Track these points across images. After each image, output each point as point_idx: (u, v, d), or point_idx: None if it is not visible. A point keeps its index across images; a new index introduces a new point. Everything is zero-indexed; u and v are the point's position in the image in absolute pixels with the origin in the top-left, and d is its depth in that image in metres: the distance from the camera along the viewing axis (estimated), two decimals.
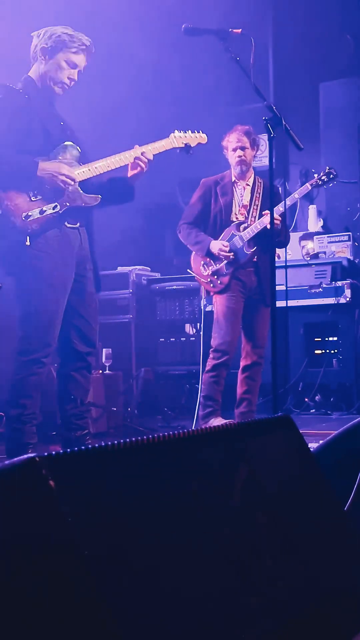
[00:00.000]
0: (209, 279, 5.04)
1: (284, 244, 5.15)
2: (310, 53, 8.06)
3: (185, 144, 4.14)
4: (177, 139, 4.13)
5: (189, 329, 7.12)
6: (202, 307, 5.84)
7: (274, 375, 3.66)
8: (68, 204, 3.82)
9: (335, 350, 6.70)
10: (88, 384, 4.14)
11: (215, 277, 5.00)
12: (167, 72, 7.31)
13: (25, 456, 1.14)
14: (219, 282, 4.99)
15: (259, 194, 5.07)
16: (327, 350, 6.75)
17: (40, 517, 1.11)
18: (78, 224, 3.92)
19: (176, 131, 4.15)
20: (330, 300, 6.57)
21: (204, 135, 4.24)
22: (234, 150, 5.01)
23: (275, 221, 4.58)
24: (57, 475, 1.12)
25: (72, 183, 3.80)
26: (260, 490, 1.55)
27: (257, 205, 5.05)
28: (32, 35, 3.95)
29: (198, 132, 4.23)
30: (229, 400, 5.14)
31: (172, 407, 6.58)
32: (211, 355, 5.00)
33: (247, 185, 5.09)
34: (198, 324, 6.77)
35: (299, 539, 1.57)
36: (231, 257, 4.93)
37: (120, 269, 7.19)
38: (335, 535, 1.74)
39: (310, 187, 5.03)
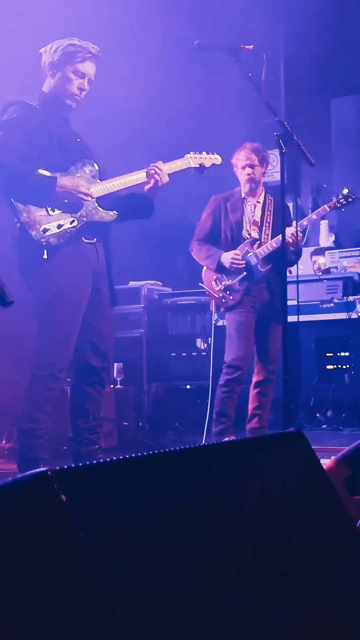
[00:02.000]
0: (220, 294, 5.04)
1: (293, 263, 5.15)
2: (321, 69, 8.08)
3: (200, 165, 4.19)
4: (192, 159, 4.18)
5: (200, 343, 7.12)
6: (214, 322, 5.84)
7: (286, 391, 3.66)
8: (85, 219, 3.86)
9: (347, 366, 6.68)
10: (101, 399, 4.16)
11: (227, 292, 5.00)
12: (179, 88, 7.34)
13: (37, 470, 1.14)
14: (230, 297, 4.99)
15: (270, 211, 5.08)
16: (339, 366, 6.73)
17: (51, 531, 1.11)
18: (95, 239, 3.95)
19: (191, 152, 4.20)
20: (342, 316, 6.57)
21: (218, 157, 4.29)
22: (243, 167, 5.02)
23: (296, 236, 4.60)
24: (69, 489, 1.12)
25: (89, 199, 3.84)
26: (272, 506, 1.54)
27: (269, 223, 5.06)
28: (40, 51, 4.00)
29: (213, 153, 4.28)
30: (240, 415, 5.12)
31: (183, 422, 6.57)
32: (224, 371, 5.00)
33: (258, 202, 5.10)
34: (209, 339, 6.77)
35: (311, 555, 1.56)
36: (243, 267, 4.92)
37: (132, 284, 7.21)
38: (346, 551, 1.73)
39: (328, 209, 5.03)
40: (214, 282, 5.07)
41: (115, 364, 6.17)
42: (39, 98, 3.96)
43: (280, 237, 4.85)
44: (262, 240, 5.01)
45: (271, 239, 4.99)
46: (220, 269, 5.00)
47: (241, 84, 3.83)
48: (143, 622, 1.10)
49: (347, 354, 6.68)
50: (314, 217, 5.09)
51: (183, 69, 6.99)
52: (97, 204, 3.91)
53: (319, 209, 5.10)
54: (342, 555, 1.69)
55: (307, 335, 6.68)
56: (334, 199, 5.07)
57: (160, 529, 1.25)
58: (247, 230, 5.06)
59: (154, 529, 1.24)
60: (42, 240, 3.74)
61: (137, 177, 3.99)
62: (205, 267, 5.15)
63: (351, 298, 6.55)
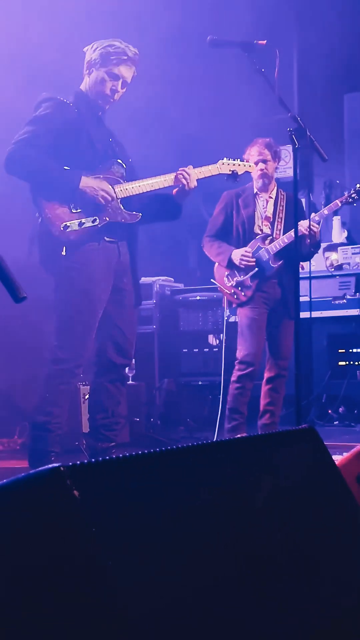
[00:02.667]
0: (232, 291, 5.03)
1: (311, 255, 5.13)
2: (334, 64, 8.04)
3: (233, 172, 4.21)
4: (224, 166, 4.20)
5: (212, 339, 7.12)
6: (225, 318, 5.84)
7: (298, 387, 3.65)
8: (107, 219, 3.87)
9: (359, 362, 6.66)
10: (120, 396, 4.17)
11: (239, 288, 4.99)
12: (193, 84, 7.34)
13: (50, 466, 1.14)
14: (242, 293, 4.98)
15: (282, 206, 5.07)
16: (351, 362, 6.71)
17: (63, 527, 1.11)
18: (117, 239, 3.96)
19: (225, 158, 4.21)
20: (354, 312, 6.55)
21: (252, 165, 4.35)
22: (256, 163, 5.00)
23: (313, 228, 4.60)
24: (81, 485, 1.12)
25: (111, 200, 3.85)
26: (284, 502, 1.54)
27: (281, 218, 5.05)
28: (84, 50, 4.02)
29: (247, 161, 4.35)
30: (252, 411, 5.12)
31: (194, 418, 6.57)
32: (236, 367, 4.99)
33: (270, 197, 5.08)
34: (221, 335, 6.76)
35: (322, 553, 1.56)
36: (253, 264, 4.91)
37: (144, 280, 7.20)
38: (358, 550, 1.73)
39: (340, 204, 5.02)
40: (225, 279, 5.06)
41: None
42: (74, 95, 3.98)
43: (292, 232, 4.85)
44: (274, 235, 5.00)
45: (283, 234, 4.97)
46: (231, 265, 5.00)
47: (254, 79, 3.81)
48: (153, 618, 1.10)
49: (359, 350, 6.66)
50: (326, 212, 5.07)
51: (196, 65, 6.99)
52: (121, 205, 3.92)
53: (331, 204, 5.09)
54: (354, 553, 1.69)
55: (320, 332, 6.67)
56: (346, 194, 5.06)
57: (172, 526, 1.25)
58: (259, 226, 5.05)
59: (165, 525, 1.24)
60: (62, 237, 3.75)
61: (165, 180, 4.00)
62: (217, 264, 5.15)
63: None
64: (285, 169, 6.96)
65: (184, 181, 3.99)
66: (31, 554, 1.12)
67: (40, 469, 1.15)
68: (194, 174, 4.03)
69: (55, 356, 3.87)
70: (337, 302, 6.63)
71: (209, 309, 7.10)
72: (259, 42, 3.77)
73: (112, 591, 1.07)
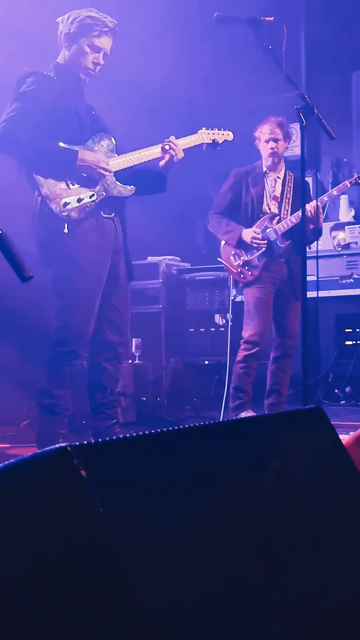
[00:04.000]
0: (239, 270, 5.02)
1: (312, 241, 5.12)
2: (342, 41, 7.96)
3: (213, 140, 4.20)
4: (205, 135, 4.19)
5: (218, 319, 7.11)
6: (232, 298, 5.82)
7: (304, 367, 3.64)
8: (104, 194, 3.85)
9: None
10: (118, 374, 4.16)
11: (246, 268, 4.98)
12: (198, 61, 7.28)
13: (57, 445, 1.14)
14: (249, 273, 4.97)
15: (290, 187, 5.04)
16: (358, 342, 6.70)
17: (71, 507, 1.11)
18: (113, 214, 3.94)
19: (204, 128, 4.20)
20: None
21: (230, 133, 4.30)
22: (267, 142, 4.97)
23: (313, 213, 4.57)
24: (89, 465, 1.12)
25: (108, 174, 3.82)
26: (292, 483, 1.54)
27: (289, 199, 5.03)
28: (57, 21, 3.94)
29: (225, 130, 4.29)
30: (258, 391, 5.12)
31: (201, 397, 6.57)
32: (242, 347, 4.99)
33: (278, 177, 5.06)
34: (227, 315, 6.75)
35: (331, 532, 1.56)
36: (264, 245, 4.90)
37: (150, 259, 7.19)
38: None
39: (349, 185, 4.99)
40: (232, 257, 5.04)
41: (134, 340, 6.17)
42: (54, 69, 3.91)
43: (300, 212, 4.83)
44: (282, 215, 4.98)
45: (290, 214, 4.96)
46: (240, 244, 4.98)
47: (261, 56, 3.77)
48: (162, 596, 1.11)
49: None
50: (335, 192, 5.05)
51: (202, 41, 6.93)
52: (115, 179, 3.89)
53: (340, 185, 5.06)
54: None
55: (326, 311, 6.65)
56: (355, 175, 5.04)
57: (179, 505, 1.25)
58: (267, 205, 5.03)
59: (173, 504, 1.24)
60: (63, 213, 3.72)
61: (153, 151, 3.98)
62: (223, 242, 5.13)
63: None
64: (293, 147, 6.91)
65: (172, 152, 3.97)
66: (38, 533, 1.12)
67: (47, 449, 1.14)
68: (180, 145, 4.01)
69: (58, 338, 3.85)
70: (344, 281, 6.61)
71: (215, 288, 7.09)
72: (266, 18, 3.73)
73: (120, 570, 1.07)
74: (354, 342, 6.70)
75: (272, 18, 3.72)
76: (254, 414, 4.84)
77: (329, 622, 1.37)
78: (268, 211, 5.01)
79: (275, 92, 6.92)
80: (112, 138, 3.96)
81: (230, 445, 1.47)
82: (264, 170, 5.05)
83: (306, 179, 4.33)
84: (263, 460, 1.51)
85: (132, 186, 3.95)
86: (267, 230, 4.93)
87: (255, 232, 4.91)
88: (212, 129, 4.22)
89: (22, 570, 1.13)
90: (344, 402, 6.54)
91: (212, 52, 7.24)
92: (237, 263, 5.02)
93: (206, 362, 7.03)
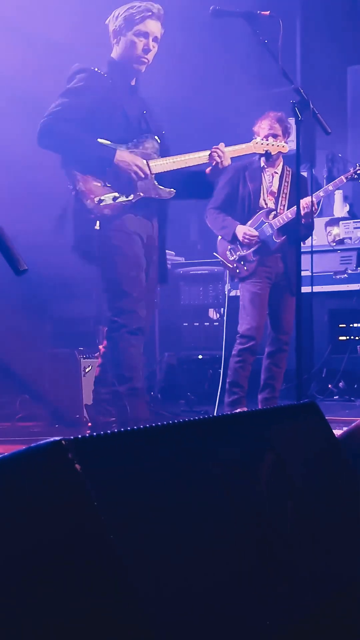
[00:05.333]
0: (234, 265, 5.02)
1: (306, 237, 5.13)
2: (338, 36, 7.96)
3: (266, 151, 4.23)
4: (258, 145, 4.21)
5: (212, 313, 7.11)
6: (227, 292, 5.82)
7: (298, 362, 3.64)
8: (141, 194, 3.81)
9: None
10: (160, 368, 4.07)
11: (242, 262, 4.98)
12: (193, 55, 7.26)
13: (52, 439, 1.14)
14: (244, 268, 4.97)
15: (287, 182, 5.05)
16: (352, 337, 6.71)
17: (66, 501, 1.10)
18: (150, 216, 3.91)
19: (258, 138, 4.26)
20: (356, 287, 6.53)
21: (285, 145, 4.35)
22: (266, 137, 4.96)
23: (309, 208, 4.57)
24: (83, 458, 1.12)
25: (143, 176, 3.77)
26: (287, 477, 1.54)
27: (285, 194, 5.03)
28: (107, 23, 3.93)
29: (281, 141, 4.37)
30: (252, 385, 5.13)
31: (195, 391, 6.57)
32: (237, 341, 4.99)
33: (276, 172, 5.06)
34: (222, 309, 6.75)
35: (326, 526, 1.56)
36: (256, 242, 4.90)
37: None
38: (359, 522, 1.73)
39: (345, 180, 5.00)
40: (228, 252, 5.05)
41: None
42: (107, 65, 3.88)
43: (296, 208, 4.83)
44: (278, 210, 4.99)
45: (287, 209, 4.96)
46: (235, 240, 4.98)
47: (256, 50, 3.77)
48: (158, 590, 1.11)
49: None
50: (331, 188, 5.05)
51: (196, 35, 6.91)
52: (154, 180, 3.85)
53: (336, 180, 5.06)
54: (355, 525, 1.69)
55: (320, 306, 6.65)
56: (351, 170, 5.04)
57: (175, 499, 1.25)
58: (264, 200, 5.03)
59: (168, 498, 1.24)
60: (96, 210, 3.70)
61: (199, 157, 3.92)
62: (219, 237, 5.13)
63: None
64: (288, 141, 6.90)
65: (217, 159, 3.91)
66: (33, 527, 1.12)
67: (41, 442, 1.14)
68: (228, 152, 3.97)
69: (116, 324, 3.79)
70: (338, 276, 6.62)
71: (209, 283, 7.09)
72: (262, 12, 3.72)
73: (115, 564, 1.07)
74: (348, 337, 6.72)
75: (268, 12, 3.71)
76: (248, 409, 4.85)
77: (326, 614, 1.37)
78: (264, 206, 5.01)
79: (272, 86, 6.91)
80: (158, 139, 3.91)
81: (225, 440, 1.47)
82: (261, 165, 5.05)
83: (301, 173, 4.33)
84: (258, 454, 1.51)
85: (172, 189, 3.91)
86: (263, 225, 4.93)
87: (249, 229, 4.92)
88: (266, 140, 4.25)
89: (16, 565, 1.13)
90: (337, 397, 6.55)
91: (208, 46, 7.23)
92: (233, 258, 5.02)
93: (200, 357, 7.03)
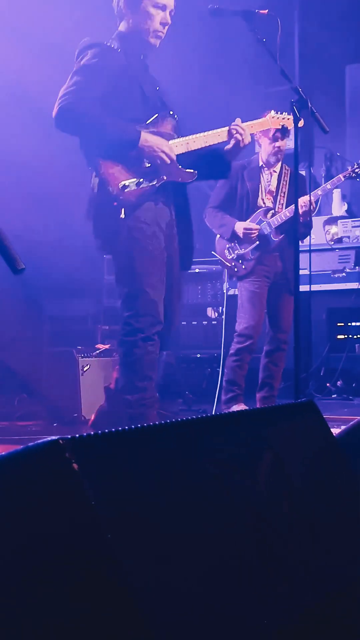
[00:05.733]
0: (233, 263, 5.03)
1: (304, 236, 5.13)
2: (336, 35, 7.96)
3: (282, 126, 4.02)
4: (274, 119, 3.96)
5: (210, 312, 7.11)
6: (225, 291, 5.82)
7: (296, 360, 3.64)
8: (165, 178, 3.57)
9: (358, 336, 6.66)
10: (159, 366, 3.85)
11: (240, 261, 4.99)
12: (192, 54, 7.26)
13: (49, 438, 1.13)
14: (243, 266, 4.97)
15: (286, 181, 5.05)
16: (350, 335, 6.71)
17: (63, 500, 1.10)
18: (170, 200, 3.68)
19: (272, 112, 3.97)
20: (354, 285, 6.53)
21: (301, 119, 4.07)
22: (271, 139, 4.95)
23: (307, 207, 4.57)
24: (81, 457, 1.12)
25: (169, 162, 3.53)
26: (285, 476, 1.54)
27: (284, 193, 5.03)
28: None
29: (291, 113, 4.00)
30: (251, 384, 5.13)
31: (193, 390, 6.57)
32: (235, 340, 5.00)
33: (274, 172, 5.06)
34: (220, 308, 6.75)
35: (322, 525, 1.56)
36: (256, 237, 4.90)
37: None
38: (357, 521, 1.73)
39: (343, 179, 5.00)
40: (226, 251, 5.05)
41: None
42: (118, 40, 3.61)
43: (294, 206, 4.83)
44: (276, 209, 4.99)
45: (285, 208, 4.96)
46: (233, 238, 4.98)
47: (255, 49, 3.76)
48: (154, 590, 1.10)
49: (358, 323, 6.66)
50: (329, 186, 5.06)
51: (195, 34, 6.90)
52: (177, 163, 3.59)
53: (334, 179, 5.07)
54: (353, 524, 1.69)
55: (319, 305, 6.66)
56: (349, 169, 5.04)
57: (172, 498, 1.25)
58: (262, 199, 5.03)
59: (166, 497, 1.24)
60: (121, 197, 3.46)
61: (218, 134, 3.70)
62: (218, 236, 5.13)
63: None
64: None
65: (238, 137, 3.69)
66: (30, 527, 1.12)
67: (38, 441, 1.14)
68: (247, 128, 3.74)
69: (130, 327, 3.55)
70: (336, 275, 6.62)
71: (208, 281, 7.08)
72: (261, 11, 3.71)
73: (113, 564, 1.07)
74: (346, 336, 6.72)
75: (267, 11, 3.71)
76: (246, 408, 4.84)
77: (325, 612, 1.37)
78: (263, 205, 5.01)
79: (270, 85, 6.92)
80: (176, 117, 3.68)
81: (223, 439, 1.47)
82: (260, 165, 5.05)
83: (300, 172, 4.32)
84: (256, 453, 1.51)
85: (194, 170, 3.66)
86: (262, 224, 4.93)
87: (249, 224, 4.92)
88: (281, 113, 3.99)
89: (13, 565, 1.13)
90: (335, 396, 6.55)
91: (206, 45, 7.22)
92: (231, 257, 5.03)
93: (198, 356, 7.03)
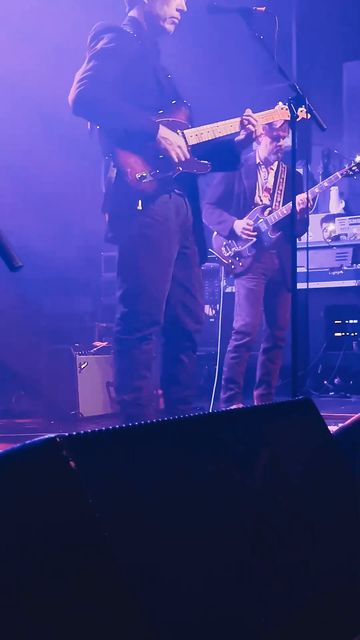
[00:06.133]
0: (230, 261, 5.03)
1: (301, 233, 5.13)
2: (333, 32, 7.95)
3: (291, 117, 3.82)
4: (284, 111, 3.89)
5: (208, 310, 7.10)
6: (222, 289, 5.82)
7: (294, 358, 3.64)
8: (181, 169, 3.49)
9: (355, 333, 6.67)
10: (194, 366, 3.81)
11: (237, 258, 4.99)
12: (190, 50, 7.25)
13: (46, 436, 1.13)
14: (240, 264, 4.98)
15: (283, 179, 5.05)
16: (347, 333, 6.72)
17: (60, 498, 1.10)
18: (185, 192, 3.62)
19: (280, 103, 3.93)
20: (351, 283, 6.54)
21: (304, 109, 3.91)
22: (273, 139, 4.95)
23: (304, 204, 4.57)
24: (78, 455, 1.12)
25: (183, 159, 3.47)
26: (282, 473, 1.54)
27: (281, 190, 5.03)
28: None
29: (302, 106, 3.90)
30: (248, 381, 5.13)
31: None
32: (233, 337, 5.00)
33: (271, 169, 5.06)
34: (217, 305, 6.75)
35: (319, 523, 1.56)
36: (254, 237, 4.91)
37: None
38: (354, 519, 1.73)
39: (340, 177, 5.00)
40: (223, 248, 5.05)
41: None
42: (130, 24, 3.53)
43: (291, 204, 4.83)
44: (273, 207, 4.99)
45: (282, 206, 4.96)
46: (231, 235, 4.98)
47: (252, 46, 3.75)
48: (151, 588, 1.10)
49: (355, 321, 6.67)
50: (326, 184, 5.05)
51: (193, 31, 6.90)
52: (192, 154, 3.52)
53: (331, 176, 5.07)
54: (349, 522, 1.69)
55: (316, 303, 6.66)
56: (346, 166, 5.04)
57: (170, 496, 1.25)
58: (259, 197, 5.03)
59: (163, 495, 1.24)
60: (139, 188, 3.39)
61: (231, 125, 3.64)
62: (215, 233, 5.13)
63: None
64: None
65: (251, 127, 3.64)
66: (27, 525, 1.12)
67: (35, 439, 1.14)
68: (259, 119, 3.69)
69: (126, 325, 3.48)
70: (334, 273, 6.62)
71: (205, 279, 7.05)
72: (258, 8, 3.71)
73: (110, 561, 1.07)
74: (343, 333, 6.72)
75: (264, 8, 3.70)
76: (243, 406, 4.85)
77: (322, 610, 1.37)
78: (260, 203, 5.01)
79: (267, 82, 6.91)
80: (189, 106, 3.62)
81: (221, 437, 1.47)
82: (257, 162, 5.05)
83: (297, 170, 4.33)
84: (253, 451, 1.51)
85: (208, 162, 3.59)
86: (259, 222, 4.94)
87: (247, 223, 4.92)
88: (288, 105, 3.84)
89: (10, 563, 1.13)
90: (332, 393, 6.56)
91: (203, 42, 7.21)
92: (228, 254, 5.03)
93: (196, 353, 7.02)
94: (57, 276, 6.47)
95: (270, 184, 5.05)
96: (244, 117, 3.67)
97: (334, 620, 1.41)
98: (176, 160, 3.45)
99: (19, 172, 5.95)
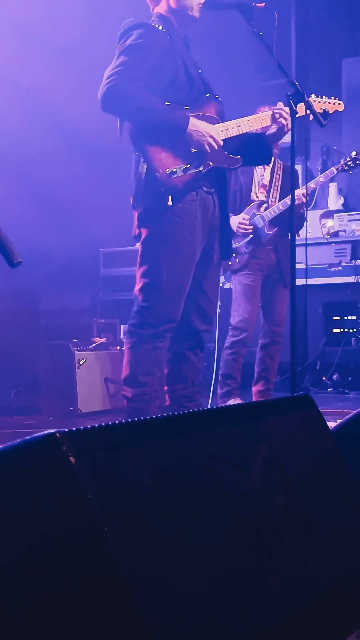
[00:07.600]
0: None
1: (300, 226, 5.13)
2: (333, 28, 7.94)
3: (323, 110, 3.89)
4: (316, 104, 3.83)
5: None
6: (220, 285, 5.82)
7: (292, 354, 3.64)
8: (211, 164, 3.48)
9: (354, 329, 6.68)
10: (200, 364, 3.81)
11: (234, 255, 4.99)
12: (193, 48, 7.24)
13: (46, 432, 1.13)
14: (237, 260, 4.98)
15: (279, 175, 5.06)
16: (346, 329, 6.72)
17: (60, 494, 1.10)
18: (213, 188, 3.59)
19: (313, 95, 3.88)
20: (350, 279, 6.54)
21: (341, 103, 3.96)
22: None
23: (302, 200, 4.57)
24: (78, 451, 1.12)
25: (217, 147, 3.45)
26: (280, 469, 1.54)
27: (277, 187, 5.04)
28: None
29: (335, 98, 3.95)
30: (246, 378, 5.14)
31: None
32: (230, 333, 5.01)
33: (267, 165, 5.06)
34: None
35: (318, 519, 1.56)
36: (250, 232, 4.91)
37: (138, 245, 7.15)
38: (354, 515, 1.73)
39: (336, 172, 5.01)
40: None
41: (122, 326, 6.17)
42: (159, 21, 3.52)
43: (287, 199, 4.83)
44: (269, 203, 4.99)
45: (278, 202, 4.97)
46: None
47: (251, 42, 3.74)
48: (150, 585, 1.11)
49: (354, 317, 6.67)
50: (322, 179, 5.06)
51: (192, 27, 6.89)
52: (223, 148, 3.51)
53: (327, 171, 5.08)
54: (349, 518, 1.70)
55: (315, 299, 6.66)
56: (342, 161, 5.05)
57: (169, 492, 1.25)
58: (255, 193, 5.04)
59: (162, 491, 1.24)
60: (169, 184, 3.37)
61: (262, 119, 3.61)
62: None
63: (359, 262, 6.52)
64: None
65: (283, 121, 3.62)
66: (26, 521, 1.12)
67: (35, 435, 1.14)
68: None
69: (142, 320, 3.49)
70: (332, 269, 6.62)
71: None
72: (257, 4, 3.70)
73: (110, 557, 1.07)
74: (342, 329, 6.73)
75: (263, 4, 3.69)
76: (242, 401, 4.85)
77: (320, 606, 1.37)
78: (256, 199, 5.02)
79: (266, 78, 6.90)
80: (221, 101, 3.60)
81: (219, 433, 1.47)
82: None
83: (295, 166, 4.33)
84: (251, 447, 1.51)
85: (239, 156, 3.57)
86: (255, 218, 4.94)
87: (243, 219, 4.92)
88: (322, 97, 3.90)
89: (8, 559, 1.13)
90: (331, 389, 6.57)
91: (202, 38, 7.20)
92: None
93: None
94: (56, 272, 6.46)
95: (266, 181, 5.05)
96: (275, 110, 3.66)
97: (331, 617, 1.41)
98: (209, 150, 3.43)
99: (19, 168, 5.95)
